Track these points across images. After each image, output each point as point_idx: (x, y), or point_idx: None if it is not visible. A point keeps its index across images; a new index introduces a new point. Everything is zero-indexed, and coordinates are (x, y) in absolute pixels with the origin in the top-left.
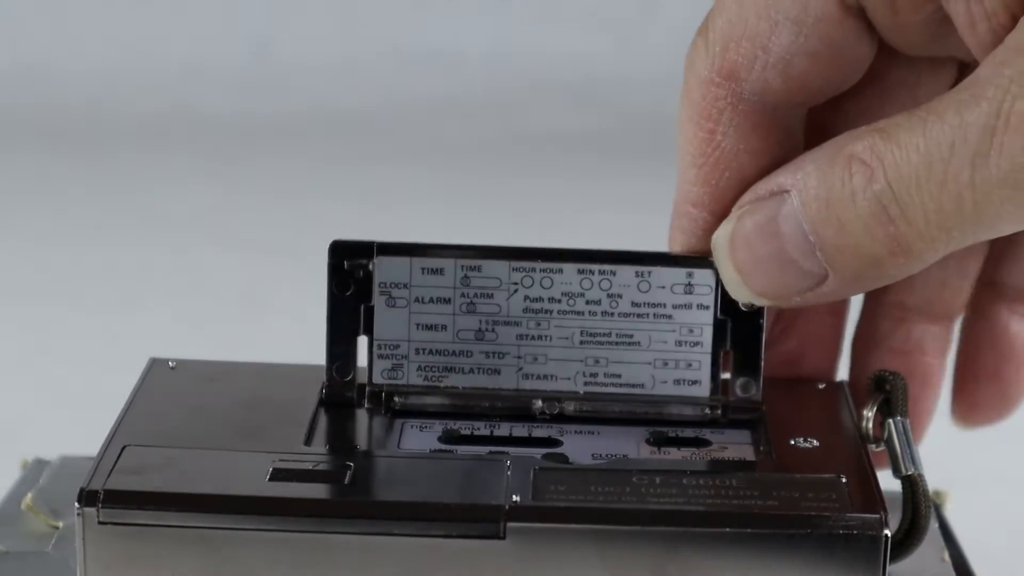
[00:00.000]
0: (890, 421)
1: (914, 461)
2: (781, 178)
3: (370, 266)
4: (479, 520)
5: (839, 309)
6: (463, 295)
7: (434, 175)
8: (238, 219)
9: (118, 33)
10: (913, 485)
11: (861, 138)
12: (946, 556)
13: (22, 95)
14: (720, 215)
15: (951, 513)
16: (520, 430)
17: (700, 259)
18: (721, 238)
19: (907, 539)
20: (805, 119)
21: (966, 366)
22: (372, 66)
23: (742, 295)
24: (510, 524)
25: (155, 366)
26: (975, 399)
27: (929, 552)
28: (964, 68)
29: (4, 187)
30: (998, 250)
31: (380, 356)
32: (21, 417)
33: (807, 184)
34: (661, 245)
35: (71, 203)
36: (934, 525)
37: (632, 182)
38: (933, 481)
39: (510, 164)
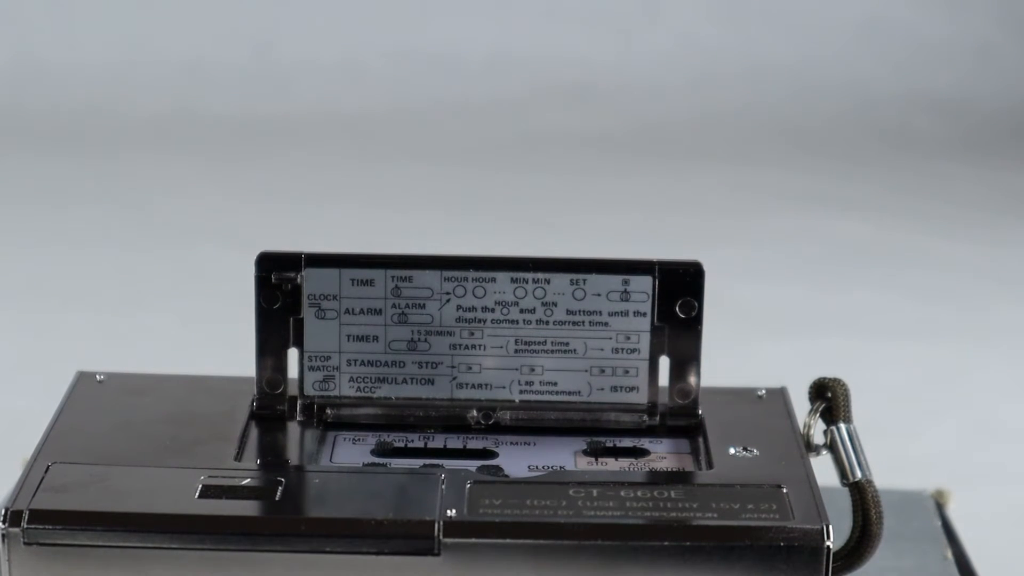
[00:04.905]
0: (833, 428)
1: (861, 467)
2: None
3: (298, 278)
4: (413, 536)
5: None
6: (394, 305)
7: (435, 177)
8: (238, 220)
9: (119, 32)
10: (862, 491)
11: None
12: (949, 554)
13: (22, 95)
14: None
15: (953, 512)
16: (455, 442)
17: (636, 265)
18: None
19: (858, 548)
20: None
21: None
22: (373, 67)
23: None
24: (445, 539)
25: (82, 380)
26: None
27: (932, 550)
28: None
29: (3, 187)
30: None
31: (311, 368)
32: (22, 416)
33: None
34: (660, 244)
35: (70, 203)
36: (936, 523)
37: (632, 182)
38: (936, 481)
39: (511, 165)
